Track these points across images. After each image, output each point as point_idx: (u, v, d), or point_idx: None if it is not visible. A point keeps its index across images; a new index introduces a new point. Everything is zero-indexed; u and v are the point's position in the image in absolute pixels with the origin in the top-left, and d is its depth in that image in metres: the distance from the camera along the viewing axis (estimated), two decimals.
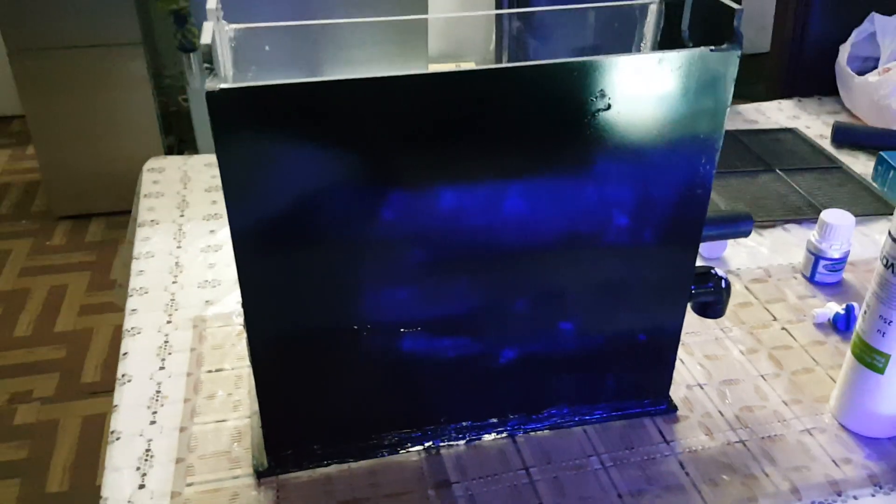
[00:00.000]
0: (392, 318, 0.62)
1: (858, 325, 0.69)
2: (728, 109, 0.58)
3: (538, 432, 0.71)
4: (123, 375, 0.77)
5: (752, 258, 0.95)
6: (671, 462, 0.68)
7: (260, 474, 0.66)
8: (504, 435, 0.70)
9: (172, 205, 1.04)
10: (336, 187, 0.55)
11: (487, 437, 0.70)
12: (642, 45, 0.67)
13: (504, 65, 0.53)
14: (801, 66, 1.37)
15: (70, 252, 2.31)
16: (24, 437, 1.68)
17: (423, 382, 0.67)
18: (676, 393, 0.75)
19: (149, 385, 0.75)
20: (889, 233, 0.64)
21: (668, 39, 0.67)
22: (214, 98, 0.49)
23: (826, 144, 1.20)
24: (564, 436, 0.71)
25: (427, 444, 0.69)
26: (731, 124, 1.25)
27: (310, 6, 1.74)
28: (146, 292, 0.88)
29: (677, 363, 0.78)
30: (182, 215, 1.02)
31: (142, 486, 0.65)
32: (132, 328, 0.83)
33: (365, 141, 0.54)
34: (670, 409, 0.73)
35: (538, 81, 0.54)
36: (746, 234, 0.72)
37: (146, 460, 0.68)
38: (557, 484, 0.66)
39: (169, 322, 0.83)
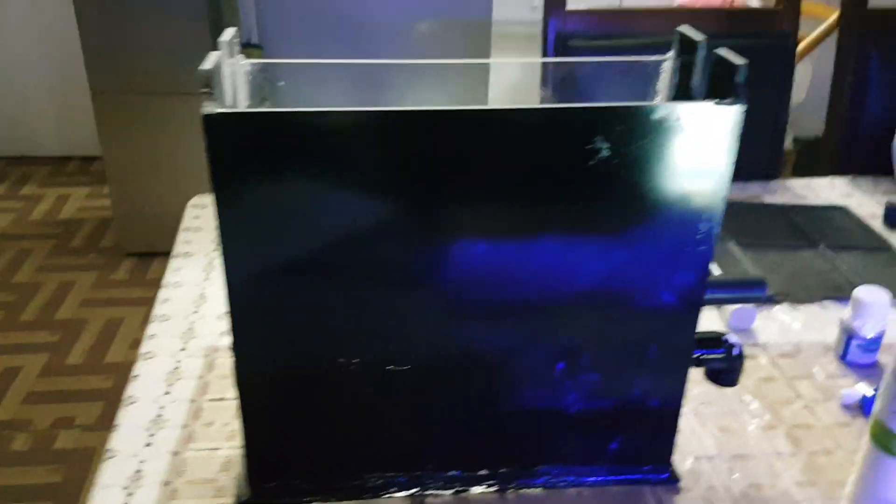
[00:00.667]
0: (379, 355, 0.61)
1: (876, 405, 0.65)
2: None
3: (530, 489, 0.68)
4: (130, 397, 0.78)
5: (783, 333, 0.91)
6: None
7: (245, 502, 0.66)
8: (494, 489, 0.68)
9: (208, 239, 1.07)
10: (325, 220, 0.55)
11: (476, 490, 0.68)
12: (656, 98, 0.67)
13: (494, 107, 0.53)
14: (857, 146, 1.33)
15: (131, 287, 2.39)
16: (61, 462, 1.72)
17: (410, 425, 0.65)
18: (682, 463, 0.72)
19: (151, 408, 0.76)
20: None
21: (685, 95, 0.66)
22: (209, 120, 0.51)
23: (877, 225, 1.16)
24: (557, 496, 0.68)
25: (413, 491, 0.67)
26: (778, 198, 1.22)
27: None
28: (167, 319, 0.90)
29: (687, 432, 0.74)
30: (215, 249, 1.04)
31: None
32: (147, 352, 0.84)
33: (355, 175, 0.54)
34: (672, 479, 0.70)
35: (531, 125, 0.54)
36: (759, 300, 0.69)
37: (135, 480, 0.68)
38: None
39: (183, 350, 0.85)
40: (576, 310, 0.61)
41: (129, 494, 0.67)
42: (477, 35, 2.33)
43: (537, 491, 0.68)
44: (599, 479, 0.69)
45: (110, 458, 0.70)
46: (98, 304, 2.31)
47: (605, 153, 0.55)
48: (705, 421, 0.77)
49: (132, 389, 0.79)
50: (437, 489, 0.67)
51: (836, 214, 1.18)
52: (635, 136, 0.55)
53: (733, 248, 1.05)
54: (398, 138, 0.54)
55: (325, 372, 0.62)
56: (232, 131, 0.51)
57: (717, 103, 0.55)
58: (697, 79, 0.62)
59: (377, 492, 0.67)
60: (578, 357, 0.64)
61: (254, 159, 0.53)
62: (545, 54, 1.23)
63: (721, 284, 0.69)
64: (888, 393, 0.64)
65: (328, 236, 0.56)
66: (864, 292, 0.84)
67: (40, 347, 2.10)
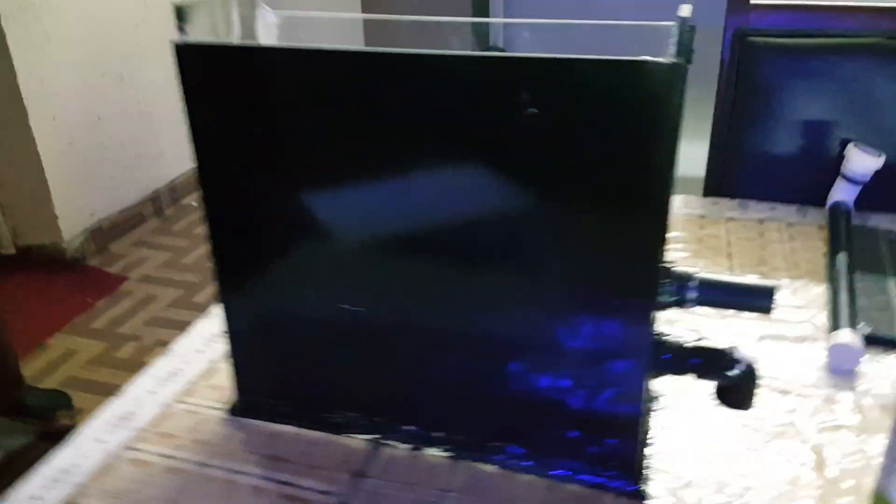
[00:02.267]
0: (332, 292, 0.64)
1: (878, 475, 0.53)
2: (680, 134, 0.50)
3: (485, 465, 0.66)
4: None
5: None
6: None
7: (231, 412, 0.73)
8: (447, 454, 0.67)
9: None
10: (274, 150, 0.60)
11: (431, 451, 0.67)
12: None
13: (427, 51, 0.53)
14: None
15: None
16: None
17: (370, 370, 0.67)
18: (666, 486, 0.64)
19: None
20: None
21: None
22: (179, 49, 0.58)
23: None
24: (511, 480, 0.65)
25: (373, 437, 0.69)
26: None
27: None
28: None
29: (691, 461, 0.66)
30: None
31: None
32: None
33: (298, 111, 0.58)
34: (639, 494, 0.62)
35: (461, 71, 0.53)
36: (765, 310, 0.59)
37: (175, 374, 0.79)
38: None
39: None
40: (517, 281, 0.59)
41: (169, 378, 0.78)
42: None
43: (492, 469, 0.66)
44: (559, 472, 0.64)
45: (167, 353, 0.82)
46: None
47: (532, 109, 0.52)
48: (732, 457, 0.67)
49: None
50: (395, 440, 0.68)
51: None
52: (566, 92, 0.52)
53: (893, 287, 0.88)
54: (330, 78, 0.56)
55: (288, 304, 0.66)
56: (196, 60, 0.59)
57: (652, 60, 0.49)
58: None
59: (340, 429, 0.69)
60: (529, 340, 0.60)
61: (216, 87, 0.59)
62: (723, 50, 1.13)
63: (717, 286, 0.60)
64: (892, 457, 0.51)
65: (280, 167, 0.61)
66: None
67: None
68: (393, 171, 0.58)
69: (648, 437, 0.67)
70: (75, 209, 2.49)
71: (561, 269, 0.57)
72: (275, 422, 0.71)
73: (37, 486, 0.66)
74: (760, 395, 0.68)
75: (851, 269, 0.91)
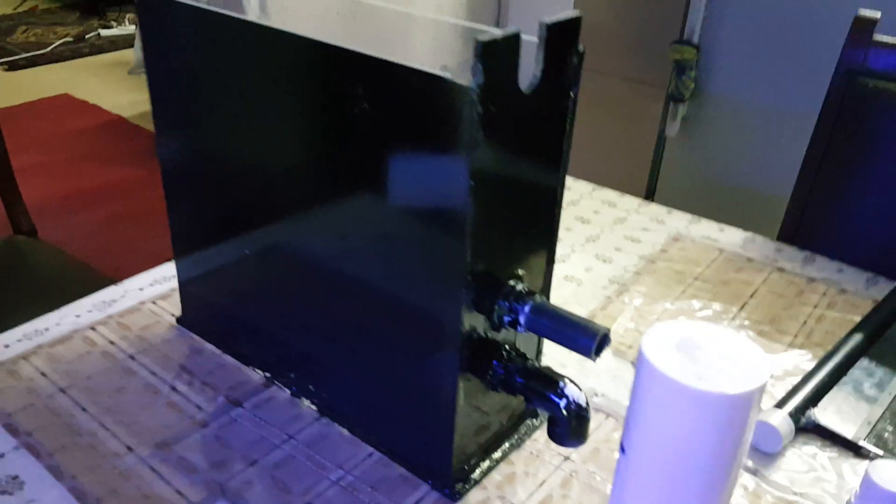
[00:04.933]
0: (238, 236, 0.71)
1: None
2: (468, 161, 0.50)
3: (341, 427, 0.70)
4: None
5: (814, 483, 0.67)
6: None
7: (178, 321, 0.84)
8: (314, 408, 0.72)
9: None
10: (191, 96, 0.68)
11: (305, 402, 0.73)
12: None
13: (271, 25, 0.58)
14: None
15: None
16: None
17: (269, 314, 0.74)
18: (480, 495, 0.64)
19: None
20: None
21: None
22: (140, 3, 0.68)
23: None
24: (353, 445, 0.69)
25: (265, 374, 0.76)
26: None
27: None
28: None
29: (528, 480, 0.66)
30: None
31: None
32: None
33: (207, 69, 0.66)
34: (452, 496, 0.64)
35: (305, 53, 0.58)
36: (586, 353, 0.57)
37: (168, 279, 0.91)
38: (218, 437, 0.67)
39: None
40: (333, 263, 0.62)
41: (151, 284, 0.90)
42: None
43: (343, 432, 0.70)
44: (392, 451, 0.67)
45: None
46: None
47: (365, 104, 0.55)
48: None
49: None
50: (281, 383, 0.75)
51: None
52: (392, 94, 0.53)
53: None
54: (209, 39, 0.64)
55: (213, 242, 0.75)
56: (155, 11, 0.68)
57: (445, 76, 0.49)
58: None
59: (245, 359, 0.77)
60: (363, 328, 0.64)
61: (166, 36, 0.68)
62: (829, 88, 1.02)
63: (548, 315, 0.58)
64: None
65: (199, 113, 0.69)
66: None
67: None
68: (253, 132, 0.64)
69: (486, 452, 0.67)
70: None
71: (381, 264, 0.60)
72: (203, 338, 0.81)
73: (9, 338, 0.81)
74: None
75: (858, 354, 0.81)
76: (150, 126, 3.55)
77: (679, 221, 1.10)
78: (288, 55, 0.60)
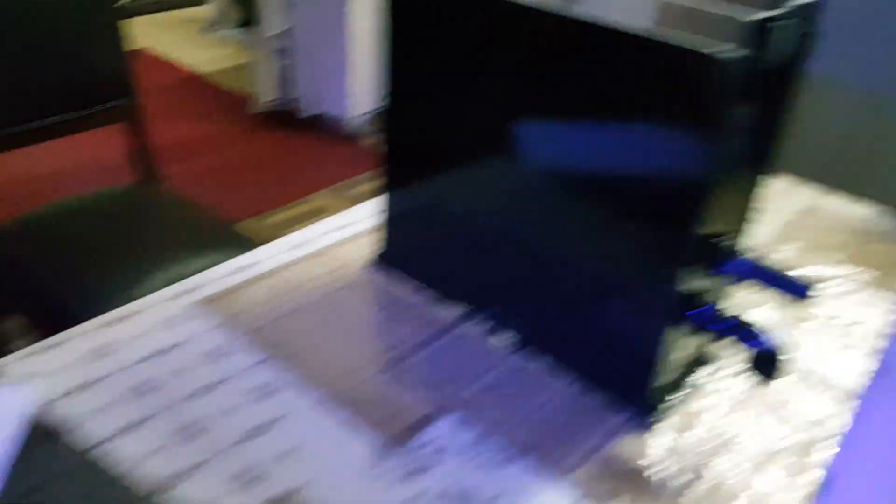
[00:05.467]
0: (466, 198, 0.80)
1: None
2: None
3: (535, 362, 0.79)
4: None
5: None
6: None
7: (379, 258, 0.93)
8: (510, 342, 0.81)
9: None
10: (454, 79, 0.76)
11: (499, 336, 0.82)
12: None
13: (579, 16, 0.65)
14: None
15: None
16: None
17: (475, 260, 0.82)
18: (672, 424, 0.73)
19: None
20: None
21: None
22: None
23: None
24: (545, 377, 0.78)
25: (463, 310, 0.85)
26: None
27: None
28: None
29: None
30: None
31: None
32: None
33: (470, 48, 0.73)
34: (646, 411, 0.73)
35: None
36: (800, 294, 0.65)
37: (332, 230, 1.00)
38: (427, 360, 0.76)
39: None
40: (592, 214, 0.70)
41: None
42: None
43: (537, 365, 0.79)
44: (584, 381, 0.76)
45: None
46: None
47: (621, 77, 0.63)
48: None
49: None
50: (478, 319, 0.84)
51: None
52: (650, 67, 0.61)
53: None
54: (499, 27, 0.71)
55: (433, 199, 0.83)
56: None
57: (705, 51, 0.57)
58: None
59: (448, 294, 0.86)
60: (584, 268, 0.72)
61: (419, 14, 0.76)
62: None
63: (767, 271, 0.66)
64: None
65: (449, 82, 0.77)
66: None
67: None
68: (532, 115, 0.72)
69: (676, 386, 0.76)
70: (367, 91, 2.86)
71: (611, 206, 0.68)
72: (406, 273, 0.90)
73: (223, 272, 0.91)
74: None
75: None
76: (226, 84, 3.64)
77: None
78: (547, 30, 0.67)
